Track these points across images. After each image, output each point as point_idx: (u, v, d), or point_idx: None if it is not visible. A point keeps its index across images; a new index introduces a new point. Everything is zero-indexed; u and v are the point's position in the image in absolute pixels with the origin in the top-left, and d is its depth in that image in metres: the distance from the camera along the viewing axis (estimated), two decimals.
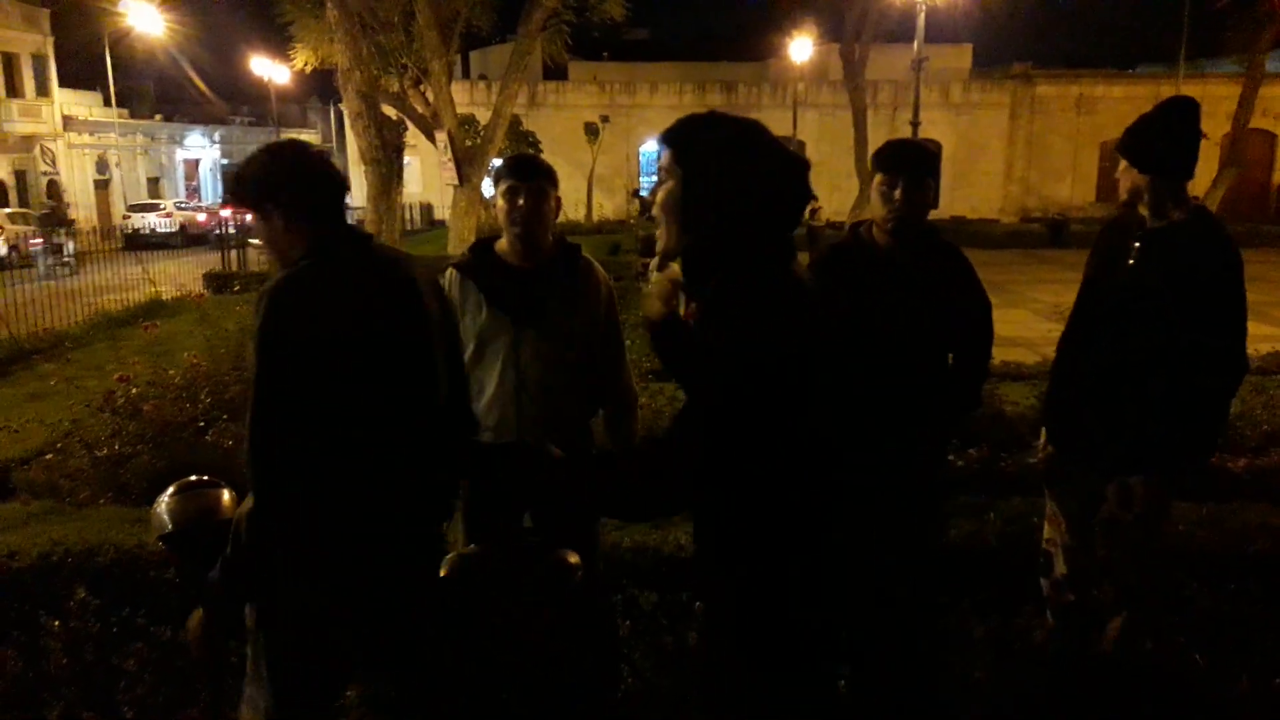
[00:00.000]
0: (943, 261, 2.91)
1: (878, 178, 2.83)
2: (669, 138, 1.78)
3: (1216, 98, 27.67)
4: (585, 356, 2.87)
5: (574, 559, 2.57)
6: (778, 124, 32.52)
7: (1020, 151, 33.96)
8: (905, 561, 2.96)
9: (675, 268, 1.83)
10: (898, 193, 2.78)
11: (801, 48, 28.51)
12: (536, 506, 2.98)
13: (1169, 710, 2.98)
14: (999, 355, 5.16)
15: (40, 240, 20.58)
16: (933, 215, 2.98)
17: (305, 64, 18.87)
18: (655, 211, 1.82)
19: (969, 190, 33.26)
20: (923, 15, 16.45)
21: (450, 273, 2.90)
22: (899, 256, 2.84)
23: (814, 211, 20.96)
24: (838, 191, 27.52)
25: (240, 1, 32.56)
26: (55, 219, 28.35)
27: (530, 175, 2.78)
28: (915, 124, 16.99)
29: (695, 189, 1.72)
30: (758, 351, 1.67)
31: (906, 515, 2.91)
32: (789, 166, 1.76)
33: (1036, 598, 3.22)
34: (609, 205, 32.49)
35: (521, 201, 2.75)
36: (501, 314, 2.79)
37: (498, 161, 8.91)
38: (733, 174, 1.71)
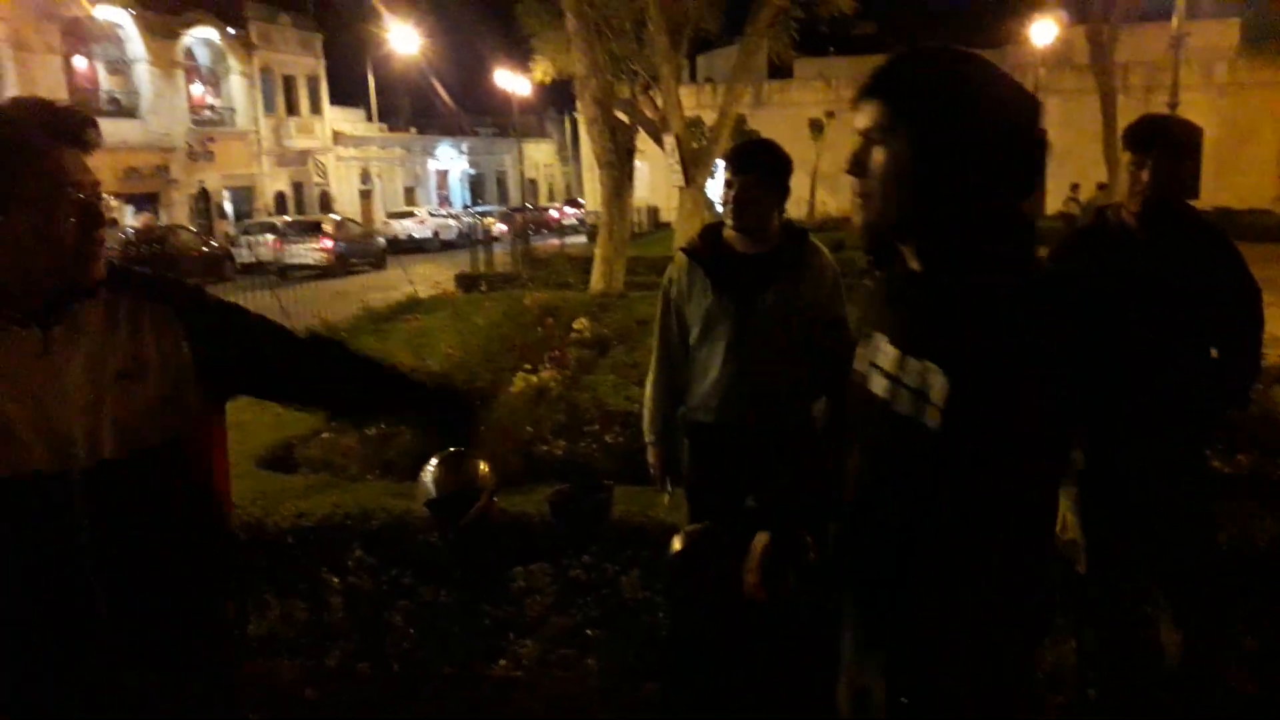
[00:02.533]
0: (1201, 245, 2.72)
1: (1126, 156, 2.70)
2: (880, 88, 1.41)
3: None
4: (809, 341, 2.91)
5: (808, 539, 2.62)
6: None
7: None
8: (1170, 564, 2.80)
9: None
10: (1145, 172, 2.64)
11: (1044, 30, 26.87)
12: (760, 486, 3.05)
13: None
14: (1271, 354, 4.72)
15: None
16: (1192, 204, 2.80)
17: (544, 75, 19.84)
18: (860, 183, 1.44)
19: (1235, 178, 30.16)
20: None
21: (679, 257, 3.02)
22: (1151, 240, 2.68)
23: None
24: (1084, 180, 25.70)
25: (485, 18, 34.64)
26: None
27: (746, 168, 2.82)
28: (1173, 105, 15.65)
29: (928, 149, 1.35)
30: (1060, 360, 1.32)
31: (1169, 518, 2.75)
32: (1030, 110, 1.41)
33: None
34: (832, 202, 31.96)
35: (736, 194, 2.80)
36: (726, 298, 2.86)
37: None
38: (973, 127, 1.35)
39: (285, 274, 19.88)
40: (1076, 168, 28.93)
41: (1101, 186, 19.76)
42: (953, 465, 1.32)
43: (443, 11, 33.09)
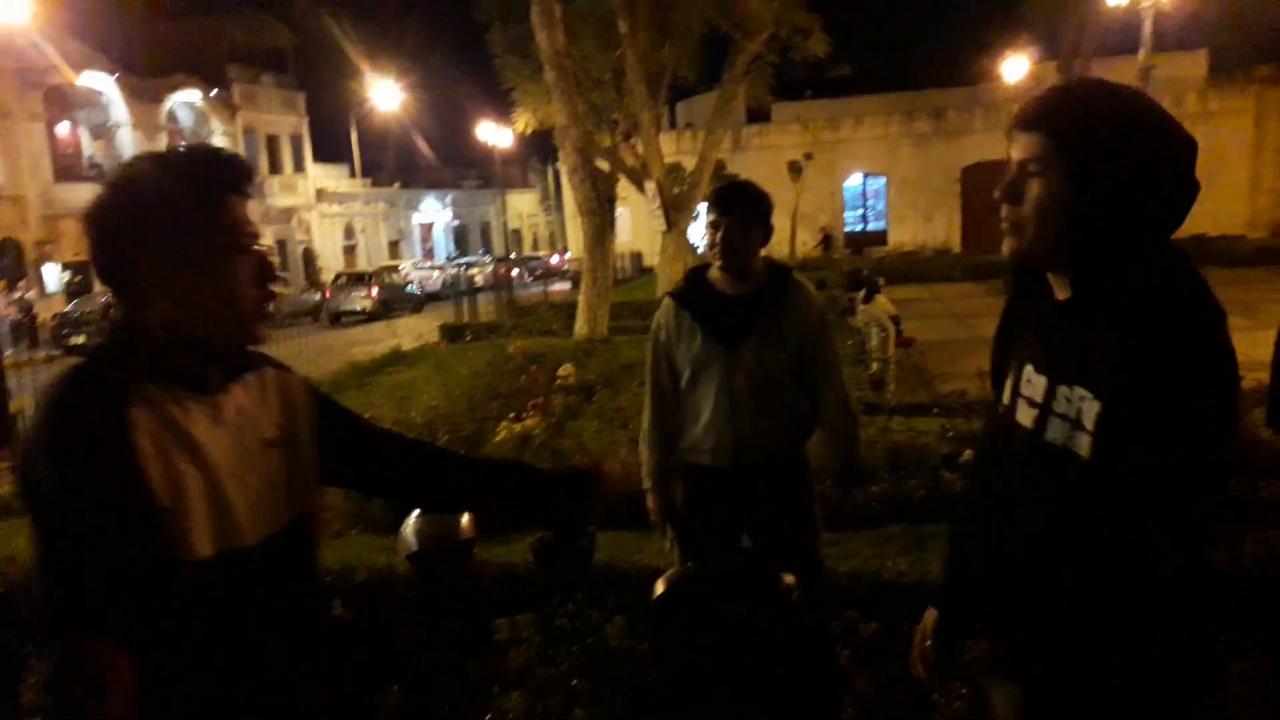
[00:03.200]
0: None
1: None
2: (1041, 120, 1.42)
3: None
4: (798, 378, 2.92)
5: (789, 579, 2.61)
6: (989, 148, 31.50)
7: (1269, 161, 30.97)
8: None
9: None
10: None
11: (1016, 67, 27.39)
12: (755, 527, 3.04)
13: None
14: (1249, 378, 4.76)
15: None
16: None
17: (525, 126, 20.07)
18: (1012, 211, 1.47)
19: (1208, 205, 30.08)
20: (1149, 22, 15.42)
21: (666, 301, 3.04)
22: None
23: None
24: None
25: (466, 72, 35.11)
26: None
27: (730, 209, 2.86)
28: None
29: (1087, 181, 1.36)
30: (1231, 372, 1.34)
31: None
32: (1187, 147, 1.41)
33: None
34: (812, 243, 32.29)
35: (721, 235, 2.82)
36: (714, 340, 2.88)
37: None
38: (1133, 161, 1.36)
39: (339, 319, 24.81)
40: None
41: None
42: (1104, 491, 1.33)
43: (424, 67, 33.55)
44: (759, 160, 32.18)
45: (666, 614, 2.69)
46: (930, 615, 1.79)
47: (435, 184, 49.80)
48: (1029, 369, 1.51)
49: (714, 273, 2.95)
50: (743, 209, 2.86)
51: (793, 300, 2.93)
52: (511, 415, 6.98)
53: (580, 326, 13.45)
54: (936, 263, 26.25)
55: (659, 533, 3.18)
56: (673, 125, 35.70)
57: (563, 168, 12.94)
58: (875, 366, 9.96)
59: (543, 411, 7.19)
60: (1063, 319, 1.46)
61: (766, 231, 2.91)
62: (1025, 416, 1.49)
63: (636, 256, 34.52)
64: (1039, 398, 1.46)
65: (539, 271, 33.64)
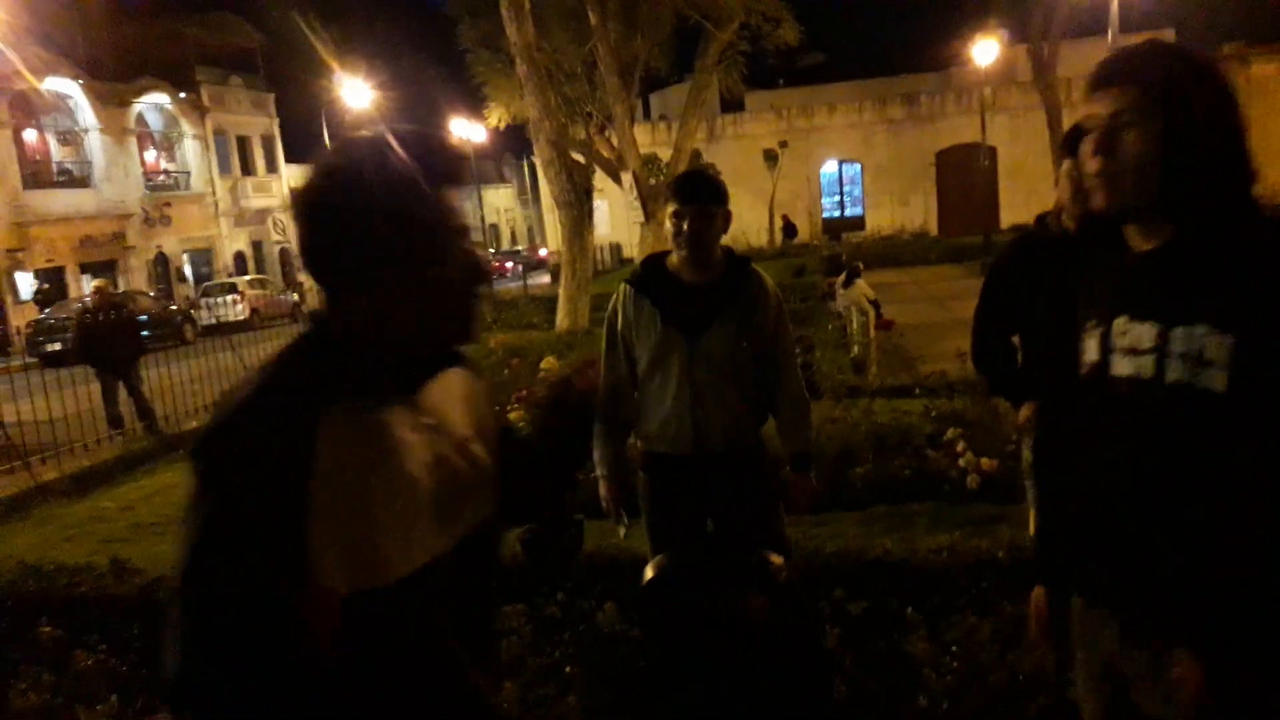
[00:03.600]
0: None
1: (1066, 164, 2.76)
2: (1131, 75, 1.48)
3: None
4: (756, 366, 2.93)
5: (778, 559, 2.62)
6: (964, 131, 31.65)
7: None
8: None
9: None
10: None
11: (986, 50, 27.49)
12: (718, 514, 3.05)
13: None
14: None
15: None
16: None
17: (498, 120, 20.00)
18: (1105, 163, 1.50)
19: None
20: (1115, 1, 15.53)
21: (624, 287, 3.03)
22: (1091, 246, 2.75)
23: None
24: (1034, 195, 26.18)
25: (437, 68, 34.95)
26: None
27: (694, 198, 2.85)
28: None
29: (1183, 127, 1.43)
30: None
31: None
32: (1236, 100, 1.51)
33: None
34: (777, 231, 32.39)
35: (687, 225, 2.82)
36: (675, 329, 2.87)
37: None
38: (1217, 107, 1.46)
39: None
40: (1027, 182, 29.59)
41: None
42: (1246, 420, 1.37)
43: (395, 64, 33.34)
44: (734, 149, 32.24)
45: (656, 599, 2.70)
46: (1038, 591, 1.83)
47: None
48: (1121, 320, 1.53)
49: (673, 260, 2.94)
50: (705, 198, 2.86)
51: (752, 290, 2.93)
52: (495, 409, 6.97)
53: (561, 319, 13.45)
54: (914, 246, 26.37)
55: (613, 521, 3.19)
56: (647, 116, 35.67)
57: (538, 161, 12.89)
58: (857, 350, 10.03)
59: (526, 404, 7.18)
60: (1165, 264, 1.49)
61: (726, 220, 2.92)
62: (1126, 366, 1.51)
63: (615, 248, 34.50)
64: (1146, 344, 1.48)
65: (520, 266, 33.75)
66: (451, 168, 1.30)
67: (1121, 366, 1.52)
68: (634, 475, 3.12)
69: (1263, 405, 1.36)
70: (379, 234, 1.22)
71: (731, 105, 32.48)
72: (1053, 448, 1.84)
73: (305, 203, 1.27)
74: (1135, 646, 1.55)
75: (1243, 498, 1.38)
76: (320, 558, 1.17)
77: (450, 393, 1.39)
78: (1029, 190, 28.70)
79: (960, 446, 5.50)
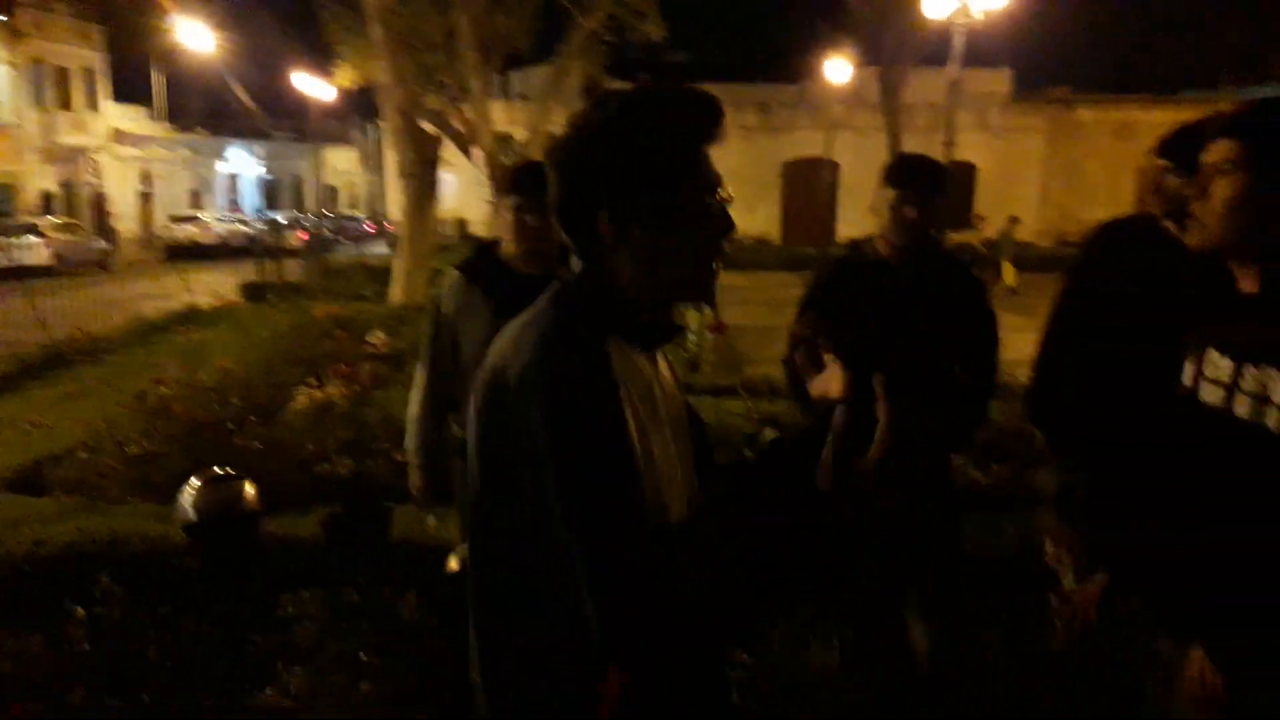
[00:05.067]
0: (948, 276, 2.91)
1: (887, 192, 2.83)
2: (1236, 129, 1.65)
3: None
4: None
5: None
6: (810, 145, 32.71)
7: (1057, 176, 33.67)
8: (920, 570, 2.97)
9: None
10: (905, 208, 2.78)
11: (838, 69, 28.51)
12: None
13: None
14: (1022, 374, 5.14)
15: None
16: (968, 237, 3.00)
17: (347, 81, 19.20)
18: (1200, 208, 1.69)
19: (1005, 212, 32.94)
20: (961, 38, 16.38)
21: (452, 274, 2.93)
22: (905, 272, 2.84)
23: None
24: (871, 214, 27.50)
25: (286, 20, 33.18)
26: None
27: (536, 190, 2.79)
28: (948, 145, 16.90)
29: (1267, 183, 1.60)
30: None
31: (920, 527, 2.92)
32: None
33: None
34: None
35: (529, 220, 2.76)
36: (505, 320, 2.80)
37: None
38: None
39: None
40: (865, 199, 30.74)
41: (1013, 219, 21.28)
42: None
43: (240, 10, 31.43)
44: None
45: (460, 590, 2.63)
46: (1100, 578, 2.10)
47: (245, 133, 46.86)
48: (1213, 353, 1.69)
49: (507, 249, 2.88)
50: (541, 188, 2.79)
51: None
52: (312, 382, 6.66)
53: (395, 292, 13.01)
54: (757, 252, 27.00)
55: (423, 509, 3.09)
56: (506, 94, 35.10)
57: (384, 127, 12.43)
58: (693, 348, 10.20)
59: (346, 379, 6.90)
60: (1252, 306, 1.66)
61: None
62: (1211, 395, 1.68)
63: (462, 223, 33.81)
64: (1225, 378, 1.64)
65: (355, 233, 32.64)
66: (715, 126, 1.26)
67: (1209, 395, 1.69)
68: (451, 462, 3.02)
69: None
70: (635, 195, 1.21)
71: (594, 93, 32.26)
72: (1133, 461, 1.95)
73: (559, 163, 1.27)
74: (1167, 635, 1.76)
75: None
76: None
77: (667, 368, 1.38)
78: (866, 208, 29.87)
79: None
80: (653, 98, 1.27)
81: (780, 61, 36.16)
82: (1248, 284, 1.71)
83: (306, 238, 22.86)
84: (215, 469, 2.78)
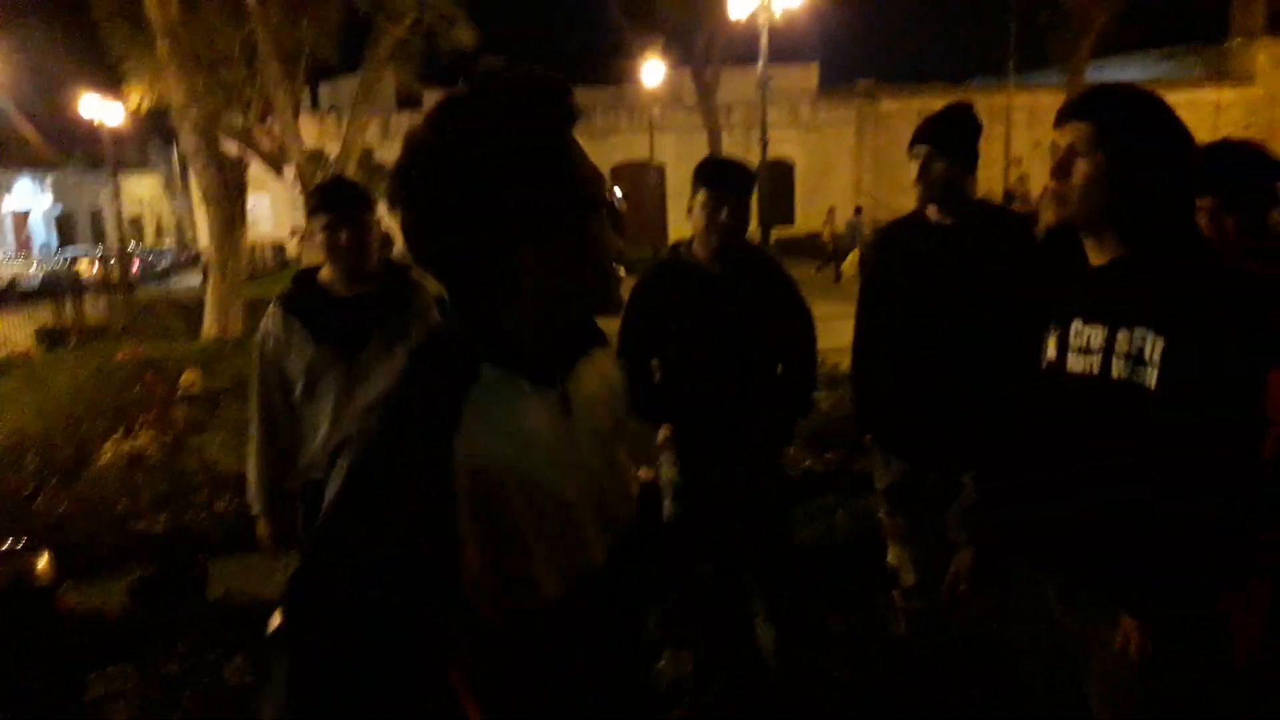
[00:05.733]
0: (763, 275, 2.96)
1: (701, 195, 2.85)
2: (1087, 112, 1.74)
3: (1045, 107, 29.38)
4: None
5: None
6: (635, 148, 33.04)
7: (868, 166, 35.29)
8: (757, 562, 2.98)
9: None
10: (716, 211, 2.81)
11: (653, 71, 28.92)
12: None
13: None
14: (845, 362, 5.31)
15: None
16: (788, 230, 3.06)
17: (140, 103, 17.98)
18: (1061, 185, 1.76)
19: (822, 206, 34.19)
20: (765, 35, 16.91)
21: (272, 308, 2.78)
22: (723, 273, 2.87)
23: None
24: (689, 217, 28.03)
25: (67, 41, 30.83)
26: None
27: (347, 206, 2.68)
28: (764, 143, 17.43)
29: (1125, 159, 1.69)
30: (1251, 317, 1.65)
31: (753, 520, 2.94)
32: (1189, 139, 1.74)
33: (889, 586, 3.28)
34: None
35: (344, 238, 2.65)
36: (329, 348, 2.67)
37: None
38: (1159, 143, 1.70)
39: None
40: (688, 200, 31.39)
41: (857, 210, 21.78)
42: (1170, 413, 1.61)
43: (13, 33, 28.92)
44: None
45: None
46: (966, 554, 2.16)
47: (32, 165, 43.26)
48: (1077, 323, 1.79)
49: (325, 273, 2.75)
50: (352, 205, 2.69)
51: (413, 300, 2.79)
52: (120, 433, 6.16)
53: (208, 326, 12.26)
54: None
55: (273, 559, 2.90)
56: (316, 107, 33.85)
57: (184, 151, 11.69)
58: None
59: (158, 427, 6.43)
60: (1116, 275, 1.75)
61: (379, 224, 2.78)
62: (1080, 364, 1.76)
63: (278, 249, 32.37)
64: (1097, 344, 1.73)
65: (163, 265, 30.88)
66: (570, 106, 1.13)
67: (1076, 364, 1.77)
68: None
69: (1183, 399, 1.60)
70: (504, 206, 1.05)
71: (409, 102, 31.65)
72: (996, 429, 2.06)
73: (405, 186, 1.08)
74: (1073, 605, 1.81)
75: (1170, 480, 1.62)
76: (470, 577, 1.01)
77: (595, 380, 1.22)
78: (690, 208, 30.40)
79: None
80: (502, 90, 1.10)
81: (597, 64, 36.43)
82: (1096, 257, 1.79)
83: (104, 274, 21.28)
84: (7, 541, 2.50)
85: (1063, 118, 1.79)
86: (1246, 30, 34.18)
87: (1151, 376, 1.64)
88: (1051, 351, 1.84)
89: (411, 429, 1.03)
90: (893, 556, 3.13)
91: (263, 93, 16.69)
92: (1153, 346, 1.64)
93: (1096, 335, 1.74)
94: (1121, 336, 1.69)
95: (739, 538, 2.97)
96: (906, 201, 2.98)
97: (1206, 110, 31.79)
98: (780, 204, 30.95)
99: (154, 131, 42.22)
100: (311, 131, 25.59)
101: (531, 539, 1.05)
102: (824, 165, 35.14)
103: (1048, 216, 1.82)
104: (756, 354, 2.90)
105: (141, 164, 48.38)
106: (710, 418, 2.87)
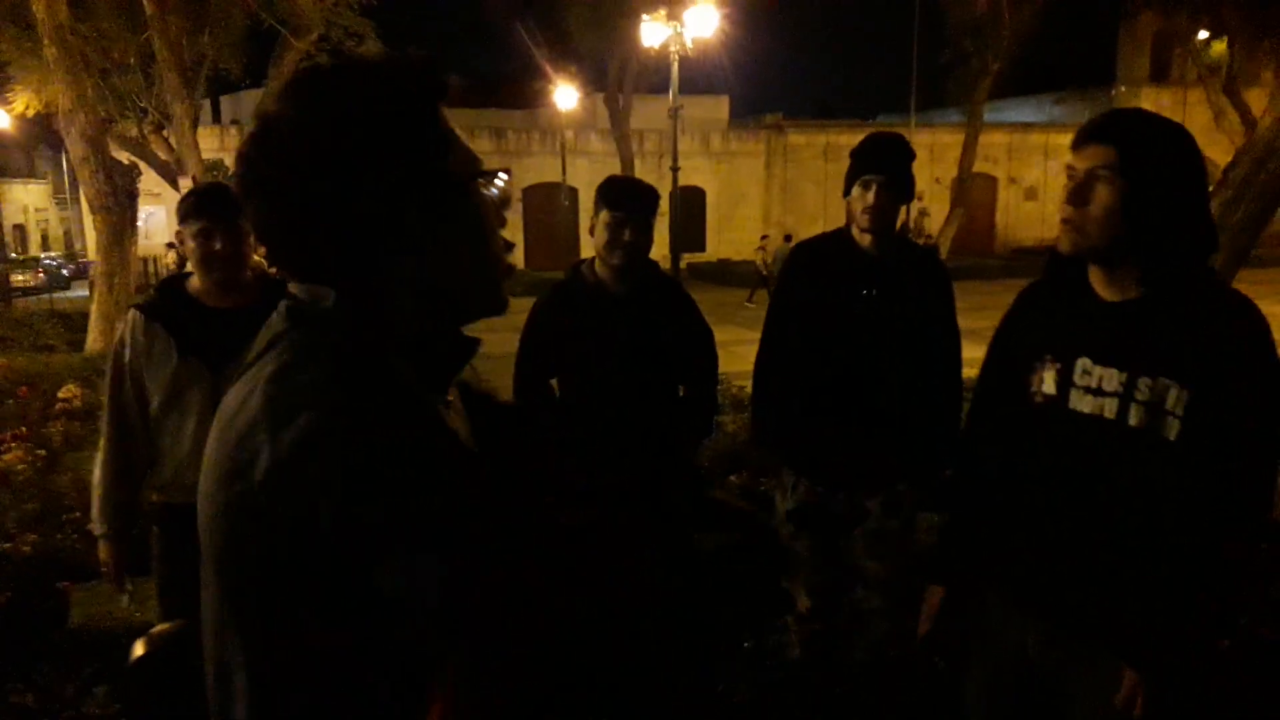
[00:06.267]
0: (664, 296, 2.93)
1: (604, 215, 2.81)
2: (1112, 135, 1.64)
3: (945, 145, 30.55)
4: None
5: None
6: (548, 171, 33.07)
7: (776, 197, 36.01)
8: (659, 584, 2.92)
9: None
10: (619, 229, 2.77)
11: (566, 96, 29.02)
12: None
13: (919, 714, 3.06)
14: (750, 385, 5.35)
15: None
16: (700, 257, 3.03)
17: (26, 107, 17.17)
18: (1076, 213, 1.66)
19: (732, 234, 34.85)
20: (676, 65, 17.11)
21: (133, 315, 2.61)
22: (627, 294, 2.83)
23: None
24: (591, 236, 28.11)
25: None
26: None
27: (225, 214, 2.53)
28: (675, 170, 17.60)
29: (1150, 186, 1.61)
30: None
31: (653, 534, 2.88)
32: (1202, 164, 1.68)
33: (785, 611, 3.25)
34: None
35: (218, 246, 2.51)
36: (195, 359, 2.52)
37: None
38: (1183, 169, 1.63)
39: None
40: None
41: (787, 238, 21.81)
42: (1192, 468, 1.56)
43: None
44: None
45: (144, 681, 2.28)
46: (936, 591, 2.02)
47: None
48: (1085, 361, 1.70)
49: (195, 284, 2.60)
50: (232, 211, 2.54)
51: None
52: None
53: (93, 339, 11.66)
54: None
55: (116, 586, 2.72)
56: (217, 120, 32.94)
57: (72, 156, 11.17)
58: None
59: (30, 443, 6.05)
60: (1134, 315, 1.66)
61: (250, 237, 2.64)
62: (1087, 405, 1.68)
63: (180, 260, 31.31)
64: (1112, 388, 1.65)
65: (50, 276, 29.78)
66: (439, 80, 0.99)
67: (1082, 403, 1.69)
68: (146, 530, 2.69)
69: (1206, 452, 1.56)
70: (371, 190, 0.93)
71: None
72: (982, 462, 1.96)
73: (254, 175, 0.95)
74: (1056, 648, 1.74)
75: (1183, 531, 1.57)
76: None
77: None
78: None
79: None
80: (366, 64, 0.99)
81: (511, 87, 36.33)
82: (1108, 292, 1.70)
83: None
84: None
85: (1082, 140, 1.69)
86: (1132, 79, 36.13)
87: (1173, 428, 1.58)
88: (1049, 386, 1.75)
89: (375, 398, 0.90)
90: (787, 581, 3.11)
91: (161, 103, 16.14)
92: (1176, 398, 1.58)
93: (1111, 378, 1.66)
94: (1142, 384, 1.62)
95: (633, 553, 2.91)
96: (814, 230, 2.99)
97: None
98: (692, 231, 31.33)
99: (44, 138, 40.40)
100: (212, 144, 24.86)
101: None
102: (734, 194, 35.69)
103: (1063, 246, 1.71)
104: (657, 374, 2.86)
105: (28, 171, 46.22)
106: (611, 438, 2.81)
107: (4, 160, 35.51)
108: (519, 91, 35.49)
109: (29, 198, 47.23)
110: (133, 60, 16.46)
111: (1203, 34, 21.45)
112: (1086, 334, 1.73)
